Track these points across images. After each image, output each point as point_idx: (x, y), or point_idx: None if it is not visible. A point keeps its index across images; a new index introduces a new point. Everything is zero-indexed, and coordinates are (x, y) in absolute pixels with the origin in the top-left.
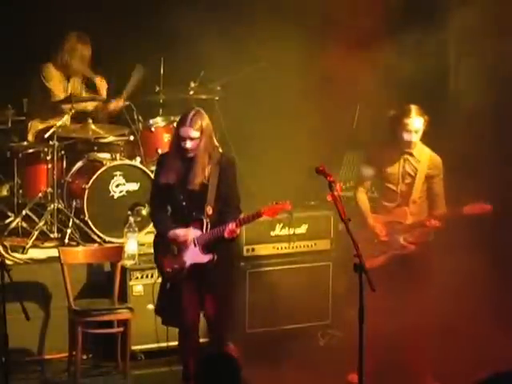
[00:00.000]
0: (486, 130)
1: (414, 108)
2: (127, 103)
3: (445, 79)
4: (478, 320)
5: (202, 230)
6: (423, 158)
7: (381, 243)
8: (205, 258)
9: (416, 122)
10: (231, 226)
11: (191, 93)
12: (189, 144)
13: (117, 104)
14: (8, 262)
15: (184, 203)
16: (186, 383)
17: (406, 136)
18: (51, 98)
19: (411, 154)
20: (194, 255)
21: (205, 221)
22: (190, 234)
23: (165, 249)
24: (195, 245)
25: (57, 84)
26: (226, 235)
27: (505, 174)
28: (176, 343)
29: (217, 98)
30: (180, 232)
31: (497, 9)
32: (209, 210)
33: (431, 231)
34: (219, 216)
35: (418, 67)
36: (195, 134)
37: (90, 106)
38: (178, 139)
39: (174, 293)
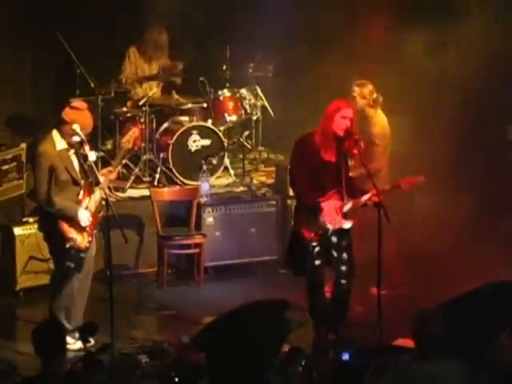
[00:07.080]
0: None
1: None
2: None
3: None
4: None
5: (343, 200)
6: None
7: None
8: (348, 224)
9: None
10: (372, 193)
11: (250, 71)
12: (349, 123)
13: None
14: (111, 199)
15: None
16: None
17: None
18: (136, 76)
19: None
20: (337, 221)
21: (344, 191)
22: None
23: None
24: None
25: (140, 64)
26: (372, 201)
27: None
28: (237, 261)
29: (270, 75)
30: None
31: None
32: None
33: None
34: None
35: None
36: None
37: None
38: (338, 119)
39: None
